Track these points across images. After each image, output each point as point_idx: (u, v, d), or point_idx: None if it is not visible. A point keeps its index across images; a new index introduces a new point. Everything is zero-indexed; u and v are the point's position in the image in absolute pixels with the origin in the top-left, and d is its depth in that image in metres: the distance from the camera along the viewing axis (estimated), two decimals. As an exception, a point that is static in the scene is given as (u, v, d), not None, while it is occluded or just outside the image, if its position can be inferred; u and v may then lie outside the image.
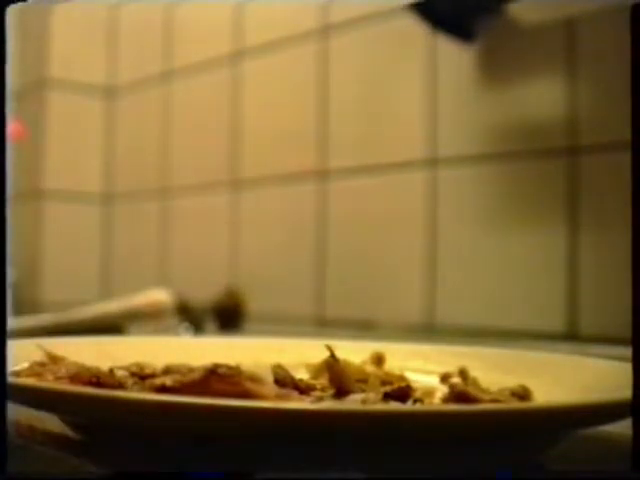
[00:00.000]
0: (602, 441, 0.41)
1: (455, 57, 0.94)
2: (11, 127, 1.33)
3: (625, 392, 0.35)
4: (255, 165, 1.19)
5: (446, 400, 0.43)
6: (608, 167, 0.80)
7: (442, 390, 0.45)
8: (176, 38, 1.34)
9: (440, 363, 0.50)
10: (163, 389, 0.36)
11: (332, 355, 0.44)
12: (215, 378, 0.37)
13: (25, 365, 0.42)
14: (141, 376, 0.43)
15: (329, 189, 1.08)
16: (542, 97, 0.87)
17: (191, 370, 0.41)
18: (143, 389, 0.38)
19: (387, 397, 0.43)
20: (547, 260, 0.85)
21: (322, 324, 1.06)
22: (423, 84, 0.97)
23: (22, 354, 0.43)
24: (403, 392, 0.45)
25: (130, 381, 0.41)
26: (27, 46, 1.42)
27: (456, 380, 0.47)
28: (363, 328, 0.99)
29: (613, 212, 0.79)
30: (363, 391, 0.43)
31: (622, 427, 0.35)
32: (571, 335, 0.82)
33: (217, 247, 1.22)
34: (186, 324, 0.92)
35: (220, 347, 0.54)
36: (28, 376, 0.40)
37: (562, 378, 0.45)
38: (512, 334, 0.85)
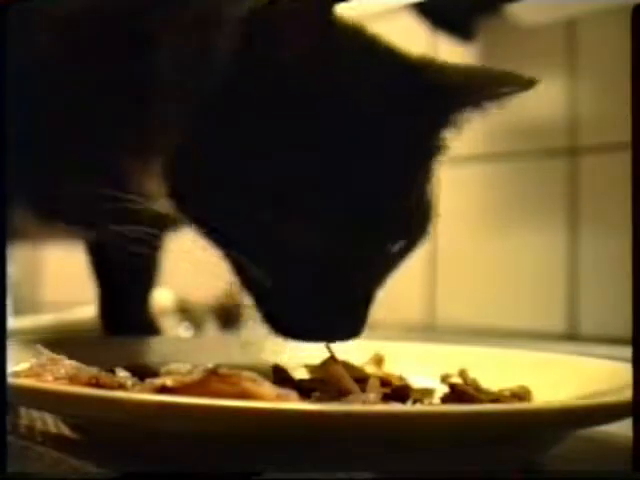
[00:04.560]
0: (602, 441, 0.41)
1: (455, 57, 0.94)
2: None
3: (625, 392, 0.35)
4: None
5: (446, 400, 0.43)
6: (608, 167, 0.80)
7: (442, 390, 0.45)
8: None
9: (440, 363, 0.50)
10: (163, 389, 0.36)
11: (332, 355, 0.44)
12: (215, 378, 0.37)
13: (25, 365, 0.42)
14: (141, 376, 0.43)
15: (329, 189, 1.08)
16: (542, 97, 0.87)
17: (191, 370, 0.41)
18: (143, 389, 0.38)
19: (387, 397, 0.43)
20: (547, 260, 0.85)
21: (322, 324, 1.06)
22: (423, 84, 0.97)
23: (22, 354, 0.43)
24: (403, 392, 0.45)
25: (130, 381, 0.41)
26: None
27: (456, 380, 0.47)
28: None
29: (613, 212, 0.79)
30: (363, 391, 0.43)
31: (622, 427, 0.35)
32: (571, 335, 0.82)
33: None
34: (186, 324, 0.92)
35: (220, 347, 0.54)
36: (28, 376, 0.40)
37: (562, 378, 0.45)
38: (512, 334, 0.85)
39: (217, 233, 0.44)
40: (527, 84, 0.47)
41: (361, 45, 0.46)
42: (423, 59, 0.49)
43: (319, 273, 0.42)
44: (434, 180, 0.47)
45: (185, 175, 0.44)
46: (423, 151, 0.47)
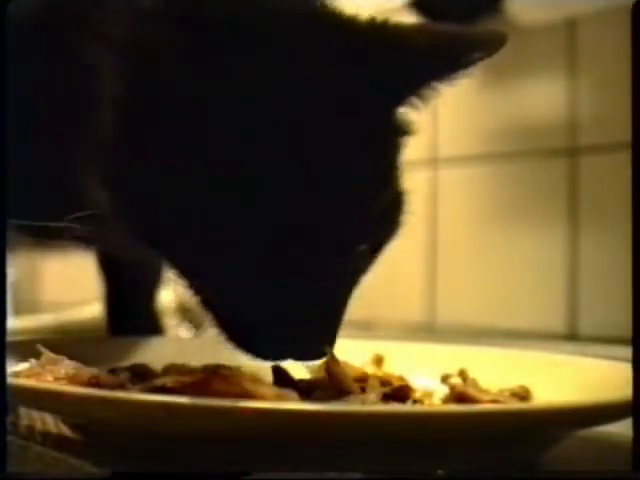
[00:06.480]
0: (602, 441, 0.41)
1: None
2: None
3: (625, 392, 0.35)
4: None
5: (446, 401, 0.43)
6: (608, 167, 0.80)
7: (442, 391, 0.46)
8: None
9: (440, 363, 0.50)
10: (163, 389, 0.36)
11: (332, 355, 0.44)
12: (215, 378, 0.37)
13: (25, 365, 0.42)
14: (141, 376, 0.43)
15: (329, 189, 1.08)
16: (542, 97, 0.87)
17: (191, 370, 0.41)
18: (143, 389, 0.38)
19: (387, 397, 0.43)
20: (547, 260, 0.85)
21: (322, 324, 1.06)
22: (423, 84, 0.97)
23: (22, 354, 0.43)
24: (403, 392, 0.45)
25: (130, 381, 0.41)
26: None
27: (456, 380, 0.47)
28: (363, 328, 0.99)
29: (613, 212, 0.79)
30: (363, 391, 0.43)
31: (622, 427, 0.35)
32: (571, 335, 0.82)
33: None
34: (186, 324, 0.92)
35: (220, 347, 0.54)
36: (28, 376, 0.40)
37: (562, 378, 0.45)
38: (512, 334, 0.85)
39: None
40: (499, 42, 0.42)
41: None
42: (370, 21, 0.42)
43: (273, 285, 0.38)
44: (402, 169, 0.42)
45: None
46: (384, 133, 0.40)
